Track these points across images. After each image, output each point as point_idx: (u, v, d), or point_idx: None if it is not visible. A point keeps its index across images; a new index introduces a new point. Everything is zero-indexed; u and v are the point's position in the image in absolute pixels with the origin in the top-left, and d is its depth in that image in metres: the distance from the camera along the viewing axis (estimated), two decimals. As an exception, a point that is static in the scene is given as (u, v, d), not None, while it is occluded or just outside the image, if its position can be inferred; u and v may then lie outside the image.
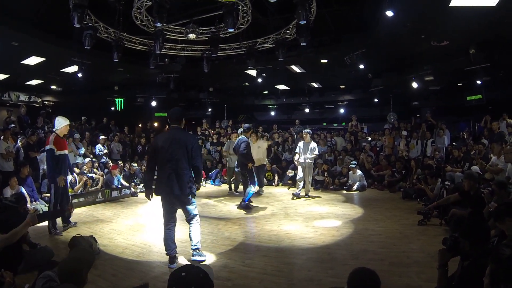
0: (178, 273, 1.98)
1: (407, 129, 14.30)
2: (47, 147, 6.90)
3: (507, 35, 10.26)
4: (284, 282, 4.40)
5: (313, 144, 10.31)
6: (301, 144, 10.50)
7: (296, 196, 10.36)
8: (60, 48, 11.87)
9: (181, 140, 5.03)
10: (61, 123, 7.00)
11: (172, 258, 5.06)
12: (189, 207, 5.08)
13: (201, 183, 5.48)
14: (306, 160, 10.21)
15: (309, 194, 10.48)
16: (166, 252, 5.11)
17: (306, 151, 10.23)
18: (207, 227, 7.18)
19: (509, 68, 13.24)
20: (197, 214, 5.18)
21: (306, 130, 10.92)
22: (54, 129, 7.18)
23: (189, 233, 5.16)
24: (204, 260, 5.14)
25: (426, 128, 13.42)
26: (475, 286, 2.32)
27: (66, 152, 7.13)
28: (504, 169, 7.73)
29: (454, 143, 12.82)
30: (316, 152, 10.38)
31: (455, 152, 10.89)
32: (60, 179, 6.78)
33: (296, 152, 10.59)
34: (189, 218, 5.14)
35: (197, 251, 5.18)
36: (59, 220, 6.99)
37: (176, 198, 5.03)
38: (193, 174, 5.11)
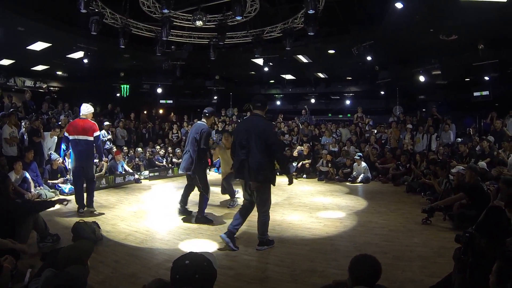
0: (181, 261, 1.97)
1: (413, 123, 14.23)
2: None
3: (517, 31, 10.13)
4: (287, 272, 4.39)
5: None
6: None
7: None
8: (66, 33, 11.83)
9: (254, 128, 4.93)
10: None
11: None
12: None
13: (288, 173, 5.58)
14: None
15: None
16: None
17: None
18: (210, 215, 7.18)
19: (517, 65, 13.09)
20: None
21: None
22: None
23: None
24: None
25: (431, 123, 13.34)
26: (481, 283, 2.28)
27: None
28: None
29: (458, 139, 12.71)
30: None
31: (461, 147, 10.82)
32: None
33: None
34: None
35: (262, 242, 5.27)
36: None
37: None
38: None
